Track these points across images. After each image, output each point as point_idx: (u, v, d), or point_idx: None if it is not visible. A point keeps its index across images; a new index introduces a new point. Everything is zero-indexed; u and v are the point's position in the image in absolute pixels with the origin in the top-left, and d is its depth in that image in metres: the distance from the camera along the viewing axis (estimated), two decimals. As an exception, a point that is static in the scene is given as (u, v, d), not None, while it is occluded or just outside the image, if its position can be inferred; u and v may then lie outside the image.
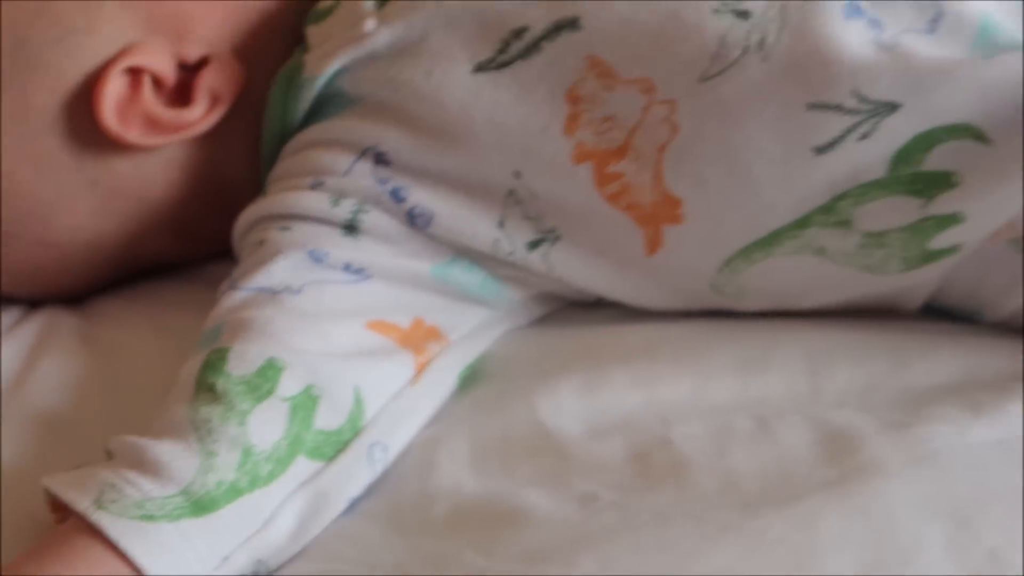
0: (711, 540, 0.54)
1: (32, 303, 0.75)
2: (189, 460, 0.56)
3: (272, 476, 0.57)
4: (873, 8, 0.62)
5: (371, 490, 0.60)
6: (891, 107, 0.61)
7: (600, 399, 0.62)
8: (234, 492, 0.56)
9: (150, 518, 0.54)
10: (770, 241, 0.64)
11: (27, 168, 0.70)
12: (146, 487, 0.55)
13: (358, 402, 0.61)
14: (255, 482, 0.56)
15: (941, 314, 0.69)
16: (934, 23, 0.62)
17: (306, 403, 0.59)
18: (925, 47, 0.61)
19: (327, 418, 0.60)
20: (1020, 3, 0.63)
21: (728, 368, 0.64)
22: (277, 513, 0.57)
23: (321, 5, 0.70)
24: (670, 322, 0.68)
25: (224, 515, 0.56)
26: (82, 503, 0.54)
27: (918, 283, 0.67)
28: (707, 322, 0.68)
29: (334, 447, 0.60)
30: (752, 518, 0.54)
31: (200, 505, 0.55)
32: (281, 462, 0.58)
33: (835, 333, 0.66)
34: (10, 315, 0.73)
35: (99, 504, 0.54)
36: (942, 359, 0.64)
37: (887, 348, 0.65)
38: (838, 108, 0.61)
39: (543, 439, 0.61)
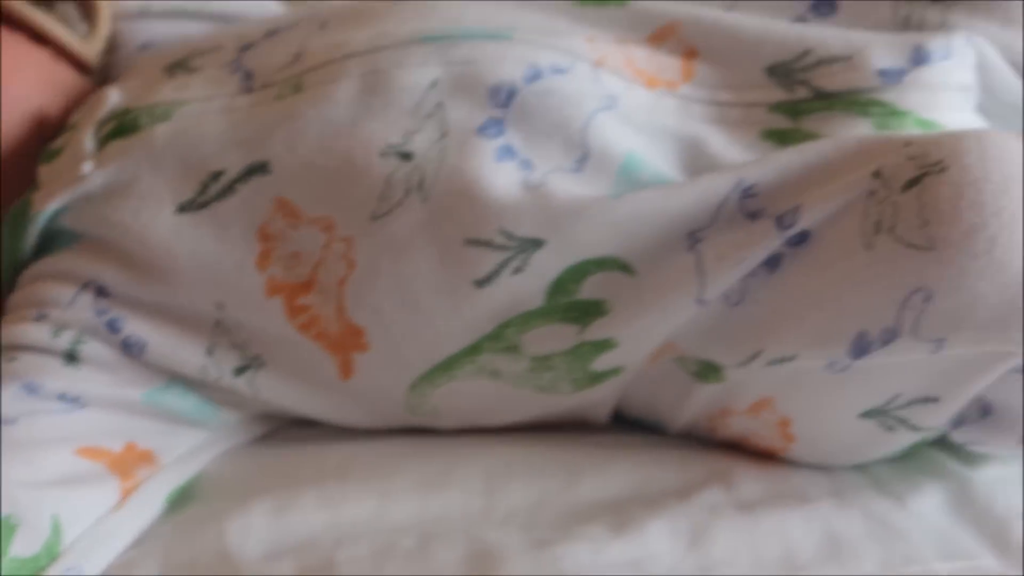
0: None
1: None
2: None
3: None
4: (525, 149, 0.66)
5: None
6: (536, 243, 0.65)
7: (287, 521, 0.66)
8: None
9: None
10: (448, 366, 0.68)
11: None
12: None
13: (56, 529, 0.65)
14: None
15: (636, 425, 0.73)
16: (581, 162, 0.66)
17: (4, 532, 0.64)
18: (568, 186, 0.65)
19: (23, 546, 0.63)
20: (668, 143, 0.68)
21: (411, 487, 0.68)
22: None
23: (53, 145, 0.75)
24: (370, 440, 0.72)
25: None
26: None
27: (597, 400, 0.71)
28: (404, 439, 0.72)
29: (30, 572, 0.64)
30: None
31: None
32: None
33: (518, 449, 0.70)
34: None
35: None
36: (612, 475, 0.69)
37: (564, 464, 0.69)
38: (489, 245, 0.65)
39: (224, 562, 0.65)
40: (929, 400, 0.64)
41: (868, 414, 0.66)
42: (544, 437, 0.72)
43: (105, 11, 0.82)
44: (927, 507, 0.66)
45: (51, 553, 0.64)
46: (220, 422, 0.73)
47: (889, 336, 0.60)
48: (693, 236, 0.64)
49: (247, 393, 0.71)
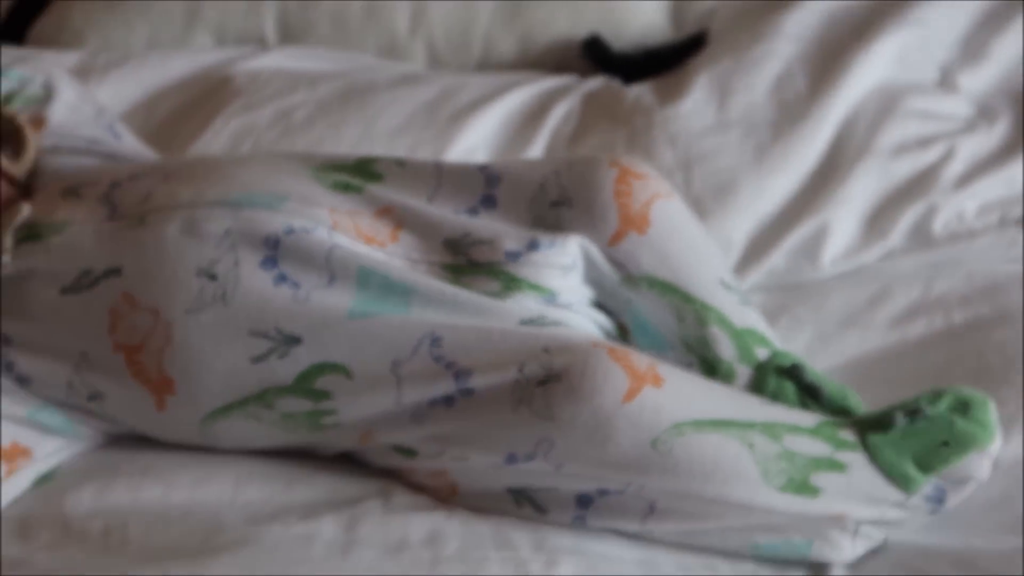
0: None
1: None
2: None
3: None
4: (293, 275, 1.04)
5: None
6: (297, 340, 1.03)
7: (103, 497, 1.04)
8: None
9: None
10: (226, 411, 1.06)
11: None
12: None
13: None
14: None
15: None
16: (331, 279, 1.04)
17: None
18: (322, 296, 1.03)
19: None
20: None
21: (189, 482, 1.04)
22: None
23: None
24: (170, 451, 1.08)
25: None
26: None
27: (323, 442, 1.07)
28: (192, 452, 1.08)
29: None
30: None
31: None
32: None
33: (259, 464, 1.07)
34: None
35: None
36: (315, 483, 1.05)
37: (286, 474, 1.07)
38: (266, 336, 1.03)
39: (58, 518, 1.02)
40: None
41: (513, 491, 1.02)
42: (278, 457, 1.09)
43: (31, 144, 1.20)
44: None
45: None
46: (76, 433, 1.10)
47: (529, 458, 0.98)
48: (396, 363, 1.01)
49: (97, 412, 1.09)
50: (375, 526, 1.01)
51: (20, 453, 1.07)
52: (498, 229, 1.08)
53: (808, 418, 1.00)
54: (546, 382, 0.97)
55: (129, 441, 1.12)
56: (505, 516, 1.02)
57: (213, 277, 1.04)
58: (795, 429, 0.97)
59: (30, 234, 1.10)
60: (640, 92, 1.42)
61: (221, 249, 1.04)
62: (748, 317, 1.08)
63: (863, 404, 1.05)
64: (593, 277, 1.09)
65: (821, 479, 0.96)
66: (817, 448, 0.97)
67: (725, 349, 1.05)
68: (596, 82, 1.47)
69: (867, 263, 1.26)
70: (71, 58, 1.49)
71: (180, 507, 1.04)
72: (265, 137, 1.37)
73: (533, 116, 1.41)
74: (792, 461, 0.96)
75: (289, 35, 1.56)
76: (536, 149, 1.37)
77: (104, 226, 1.09)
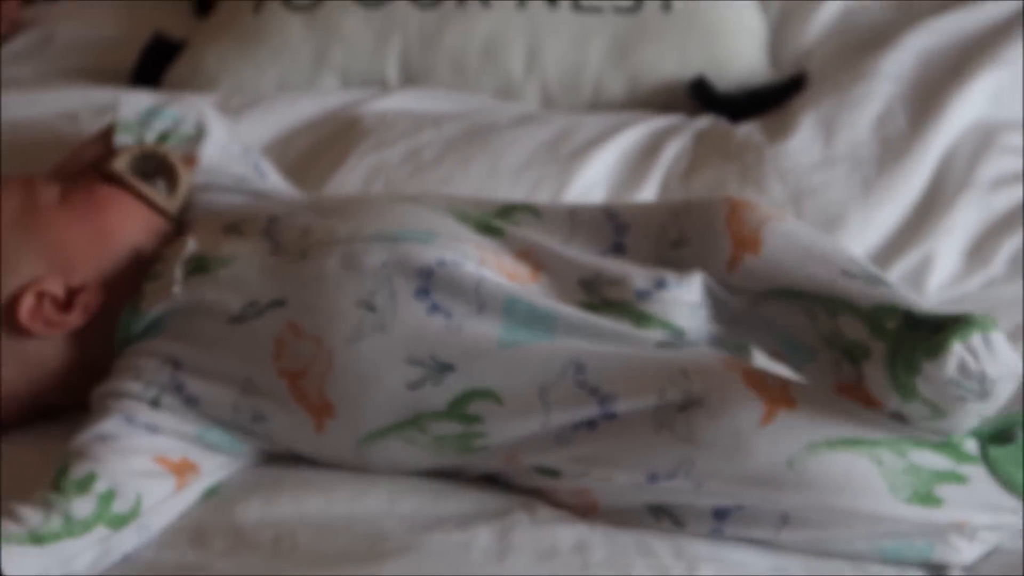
0: None
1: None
2: (37, 517, 1.06)
3: (82, 532, 1.07)
4: (444, 304, 1.12)
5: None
6: (450, 368, 1.10)
7: (270, 509, 1.11)
8: (56, 537, 1.06)
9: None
10: (383, 433, 1.13)
11: None
12: (9, 528, 1.05)
13: (138, 501, 1.10)
14: (71, 533, 1.06)
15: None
16: (480, 309, 1.12)
17: (108, 496, 1.09)
18: (473, 325, 1.11)
19: (119, 506, 1.09)
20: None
21: (347, 496, 1.12)
22: (79, 553, 1.07)
23: (154, 270, 1.21)
24: (329, 469, 1.16)
25: (47, 547, 1.05)
26: None
27: (471, 465, 1.15)
28: (347, 471, 1.16)
29: (121, 522, 1.09)
30: None
31: (35, 538, 1.05)
32: (87, 526, 1.06)
33: (412, 480, 1.15)
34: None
35: None
36: (463, 497, 1.13)
37: (436, 489, 1.14)
38: (421, 363, 1.11)
39: (230, 527, 1.10)
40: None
41: (652, 507, 1.09)
42: (425, 475, 1.16)
43: (184, 182, 1.29)
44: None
45: (135, 513, 1.09)
46: (239, 451, 1.17)
47: (671, 477, 1.06)
48: (544, 389, 1.09)
49: (259, 433, 1.16)
50: (525, 535, 1.08)
51: (189, 468, 1.14)
52: (628, 269, 1.15)
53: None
54: (686, 408, 1.04)
55: (286, 458, 1.19)
56: (644, 528, 1.09)
57: (372, 308, 1.12)
58: (920, 444, 1.05)
59: (198, 267, 1.18)
60: (749, 130, 1.51)
61: (378, 281, 1.13)
62: (875, 293, 1.08)
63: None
64: (721, 313, 1.14)
65: (944, 490, 1.04)
66: (940, 462, 1.04)
67: (858, 332, 1.06)
68: (704, 121, 1.56)
69: (970, 291, 1.34)
70: (208, 100, 1.58)
71: (342, 518, 1.11)
72: (396, 174, 1.45)
73: (647, 153, 1.49)
74: (917, 475, 1.03)
75: (410, 77, 1.64)
76: (651, 185, 1.45)
77: (268, 260, 1.17)
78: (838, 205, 1.39)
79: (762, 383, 1.06)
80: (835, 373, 1.08)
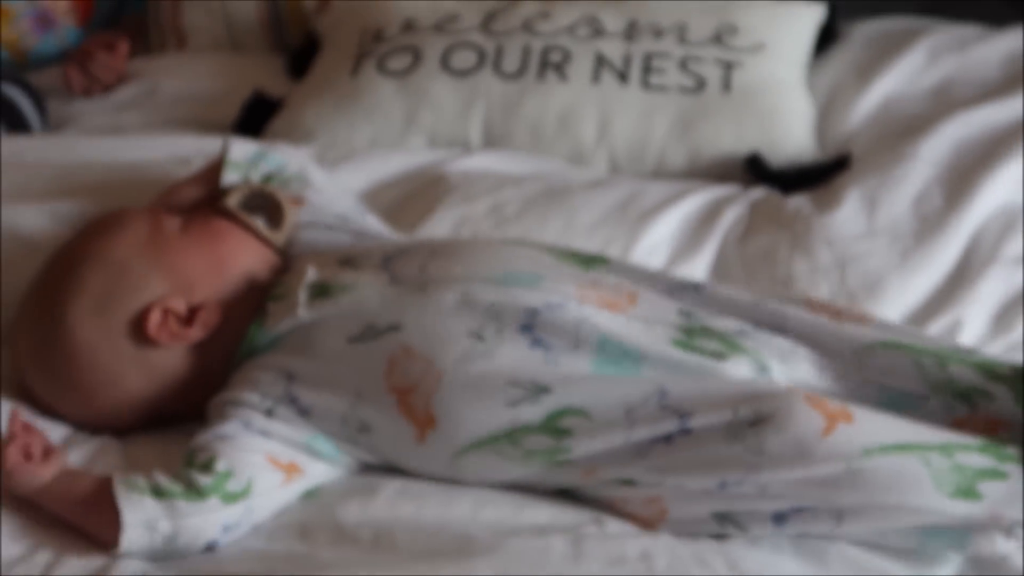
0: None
1: (93, 431, 1.32)
2: (164, 479, 1.20)
3: (197, 499, 1.18)
4: (545, 339, 1.25)
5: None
6: (547, 390, 1.23)
7: (366, 510, 1.23)
8: (173, 495, 1.18)
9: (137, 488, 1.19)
10: (478, 445, 1.25)
11: (108, 357, 1.30)
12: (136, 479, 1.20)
13: (248, 485, 1.21)
14: (188, 497, 1.18)
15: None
16: (576, 345, 1.25)
17: (225, 475, 1.21)
18: (568, 359, 1.24)
19: (233, 486, 1.20)
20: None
21: (436, 504, 1.25)
22: (188, 515, 1.17)
23: (276, 292, 1.34)
24: (420, 480, 1.28)
25: (163, 502, 1.19)
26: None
27: (553, 478, 1.27)
28: (437, 483, 1.30)
29: (233, 499, 1.20)
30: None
31: (156, 492, 1.19)
32: (203, 495, 1.18)
33: (493, 493, 1.27)
34: (83, 436, 1.33)
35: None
36: (540, 510, 1.25)
37: (516, 501, 1.26)
38: (521, 386, 1.24)
39: (332, 524, 1.23)
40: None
41: (717, 515, 1.22)
42: (504, 489, 1.29)
43: (289, 218, 1.42)
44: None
45: (245, 493, 1.20)
46: (341, 461, 1.30)
47: (739, 484, 1.19)
48: (629, 410, 1.21)
49: (363, 443, 1.29)
50: (596, 545, 1.20)
51: (295, 470, 1.27)
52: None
53: (977, 440, 1.20)
54: (756, 423, 1.18)
55: (381, 470, 1.31)
56: (702, 541, 1.22)
57: (481, 339, 1.26)
58: (966, 448, 1.19)
59: (320, 291, 1.32)
60: (799, 202, 1.66)
61: (488, 317, 1.26)
62: (969, 349, 1.30)
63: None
64: (823, 365, 1.28)
65: (985, 487, 1.17)
66: (983, 461, 1.18)
67: (971, 377, 1.25)
68: (759, 192, 1.72)
69: (996, 353, 1.48)
70: (307, 151, 1.73)
71: (433, 523, 1.23)
72: (481, 226, 1.60)
73: (707, 219, 1.64)
74: (962, 472, 1.17)
75: (491, 140, 1.80)
76: (710, 247, 1.61)
77: (388, 289, 1.30)
78: (879, 272, 1.54)
79: (822, 404, 1.20)
80: (948, 413, 1.24)
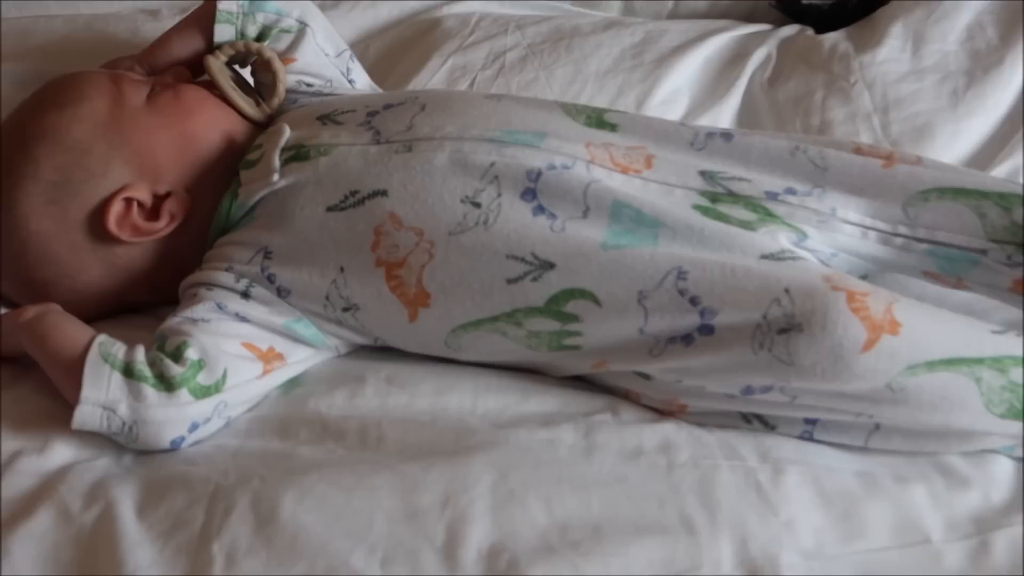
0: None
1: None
2: (139, 356, 1.07)
3: (165, 390, 1.06)
4: (550, 207, 1.11)
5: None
6: (551, 265, 1.10)
7: (353, 402, 1.12)
8: (144, 380, 1.06)
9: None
10: (476, 324, 1.13)
11: (64, 251, 1.19)
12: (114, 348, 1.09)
13: (223, 377, 1.09)
14: (157, 387, 1.05)
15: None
16: (585, 213, 1.11)
17: (197, 365, 1.09)
18: (578, 228, 1.10)
19: (204, 378, 1.08)
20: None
21: (431, 391, 1.13)
22: (153, 407, 1.05)
23: (249, 157, 1.20)
24: (413, 361, 1.17)
25: (130, 383, 1.06)
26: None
27: (558, 363, 1.15)
28: (433, 363, 1.17)
29: (204, 393, 1.08)
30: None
31: (127, 371, 1.07)
32: (172, 387, 1.06)
33: (494, 378, 1.16)
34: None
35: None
36: (547, 398, 1.14)
37: (521, 387, 1.16)
38: (522, 260, 1.11)
39: (312, 417, 1.11)
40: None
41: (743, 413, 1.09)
42: (514, 372, 1.18)
43: (283, 89, 1.28)
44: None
45: (217, 388, 1.09)
46: (324, 344, 1.18)
47: (765, 391, 1.06)
48: (642, 294, 1.08)
49: (349, 323, 1.16)
50: (610, 435, 1.08)
51: (276, 357, 1.15)
52: (755, 172, 1.14)
53: None
54: (787, 330, 1.03)
55: (369, 352, 1.20)
56: (729, 429, 1.10)
57: (477, 204, 1.12)
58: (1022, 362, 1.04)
59: (297, 155, 1.18)
60: (836, 39, 1.49)
61: (485, 180, 1.12)
62: None
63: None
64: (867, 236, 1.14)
65: None
66: None
67: None
68: (790, 30, 1.54)
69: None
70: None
71: (426, 413, 1.12)
72: (481, 76, 1.45)
73: (732, 61, 1.48)
74: (1016, 392, 1.03)
75: (492, -22, 1.63)
76: (736, 92, 1.45)
77: (371, 149, 1.16)
78: (926, 116, 1.38)
79: (865, 308, 1.03)
80: (1007, 270, 1.09)
